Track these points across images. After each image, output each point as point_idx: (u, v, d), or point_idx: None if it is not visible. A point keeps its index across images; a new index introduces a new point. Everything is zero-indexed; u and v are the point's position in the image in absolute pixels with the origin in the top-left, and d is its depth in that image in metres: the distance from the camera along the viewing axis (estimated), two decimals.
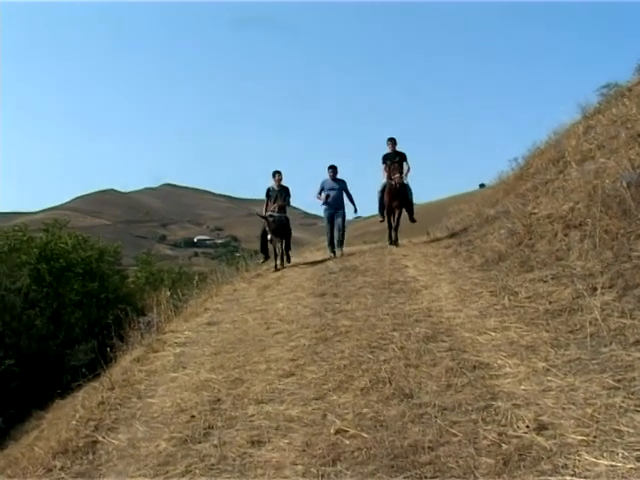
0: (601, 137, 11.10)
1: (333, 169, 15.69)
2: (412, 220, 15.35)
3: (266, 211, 14.88)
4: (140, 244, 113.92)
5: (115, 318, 12.36)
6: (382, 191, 15.13)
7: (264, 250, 15.35)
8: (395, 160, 14.73)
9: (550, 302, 7.16)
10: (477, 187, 45.11)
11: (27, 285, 18.44)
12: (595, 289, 6.78)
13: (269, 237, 14.41)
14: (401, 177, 14.53)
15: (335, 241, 15.45)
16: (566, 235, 8.75)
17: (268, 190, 15.20)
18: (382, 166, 15.14)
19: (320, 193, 15.60)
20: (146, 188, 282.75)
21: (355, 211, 16.27)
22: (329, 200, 15.40)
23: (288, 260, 15.19)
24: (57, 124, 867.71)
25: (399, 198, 14.75)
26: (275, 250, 14.77)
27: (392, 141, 15.32)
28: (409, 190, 15.14)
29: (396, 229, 15.23)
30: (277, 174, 15.26)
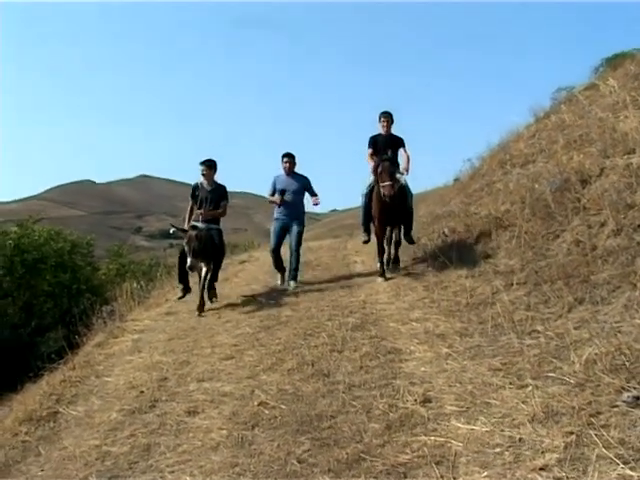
0: (543, 141, 11.63)
1: (289, 158, 11.08)
2: (409, 240, 10.79)
3: (189, 220, 10.26)
4: (115, 235, 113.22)
5: (83, 308, 12.94)
6: (368, 195, 10.45)
7: (183, 279, 10.41)
8: (387, 156, 9.97)
9: (472, 296, 7.83)
10: (452, 181, 45.07)
11: (0, 276, 18.85)
12: (512, 285, 7.46)
13: (188, 261, 9.52)
14: (393, 187, 9.54)
15: (287, 271, 11.05)
16: (498, 235, 9.39)
17: (194, 189, 10.53)
18: (368, 151, 10.57)
19: (273, 194, 11.08)
20: (122, 179, 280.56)
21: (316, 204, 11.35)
22: (285, 199, 10.93)
23: (213, 296, 10.49)
24: (34, 113, 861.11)
25: (394, 212, 10.04)
26: (199, 279, 10.16)
27: (387, 118, 10.65)
28: (409, 194, 10.49)
29: (397, 247, 10.68)
30: (206, 165, 10.44)
